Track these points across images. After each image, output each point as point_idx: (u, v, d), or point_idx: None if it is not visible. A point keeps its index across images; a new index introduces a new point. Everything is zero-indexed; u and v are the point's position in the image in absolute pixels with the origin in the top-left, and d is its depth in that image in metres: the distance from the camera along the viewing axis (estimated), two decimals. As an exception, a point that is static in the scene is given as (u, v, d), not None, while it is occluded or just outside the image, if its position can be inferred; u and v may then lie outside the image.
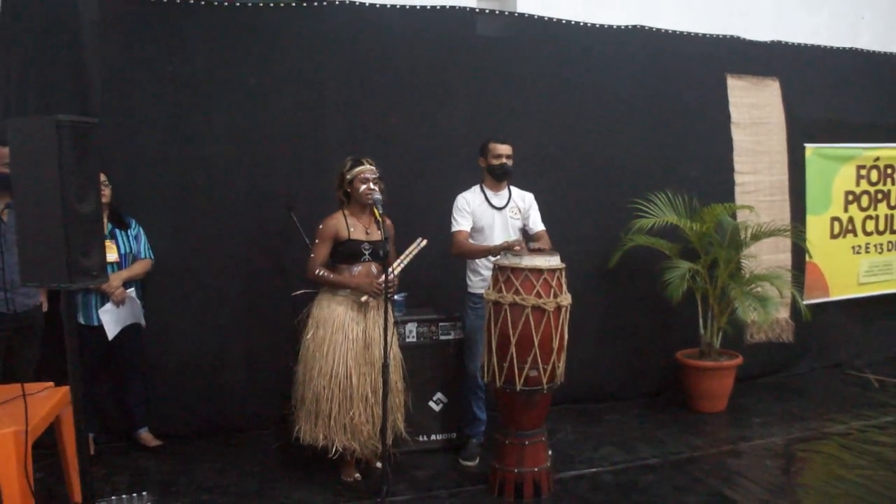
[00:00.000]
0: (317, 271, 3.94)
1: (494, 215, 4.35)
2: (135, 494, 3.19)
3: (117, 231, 4.36)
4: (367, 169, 3.97)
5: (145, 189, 4.61)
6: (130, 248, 4.39)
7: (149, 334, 4.55)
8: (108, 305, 4.23)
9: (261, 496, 3.93)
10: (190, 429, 4.74)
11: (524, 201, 4.47)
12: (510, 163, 4.34)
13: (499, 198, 4.40)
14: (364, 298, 3.91)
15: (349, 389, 3.84)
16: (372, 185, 3.94)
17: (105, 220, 4.24)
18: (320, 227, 3.96)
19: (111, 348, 4.34)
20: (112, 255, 4.23)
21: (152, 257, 4.50)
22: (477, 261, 4.36)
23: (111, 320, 4.24)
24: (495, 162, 4.33)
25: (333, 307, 3.94)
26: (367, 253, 3.97)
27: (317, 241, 3.97)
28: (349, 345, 3.87)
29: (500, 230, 4.34)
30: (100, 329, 4.22)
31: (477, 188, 4.42)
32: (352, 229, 3.95)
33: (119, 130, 4.49)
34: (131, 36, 4.54)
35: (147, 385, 4.62)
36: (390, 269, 3.84)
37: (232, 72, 4.71)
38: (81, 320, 4.24)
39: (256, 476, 4.19)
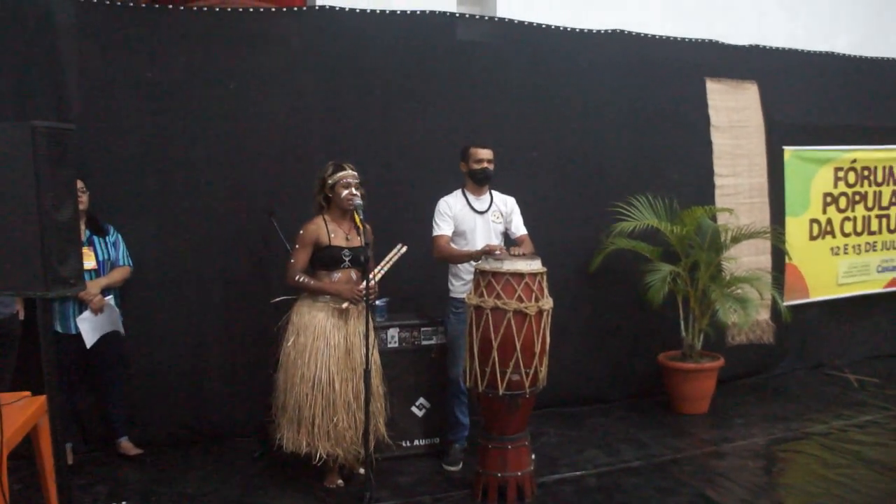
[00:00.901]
0: (297, 277, 3.92)
1: (476, 219, 4.36)
2: (114, 503, 3.16)
3: (95, 238, 4.32)
4: (349, 174, 3.96)
5: (125, 195, 4.57)
6: (108, 255, 4.35)
7: (129, 342, 4.51)
8: (86, 313, 4.19)
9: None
10: (171, 437, 4.69)
11: (506, 205, 4.48)
12: (491, 167, 4.35)
13: (480, 202, 4.41)
14: (345, 305, 3.90)
15: (332, 396, 3.83)
16: (353, 191, 3.93)
17: (83, 227, 4.21)
18: (301, 232, 3.93)
19: (90, 357, 4.30)
20: (90, 263, 4.18)
21: (131, 264, 4.46)
22: (459, 265, 4.36)
23: (89, 328, 4.19)
24: (476, 166, 4.33)
25: (314, 314, 3.93)
26: (347, 259, 3.96)
27: (297, 246, 3.95)
28: (331, 351, 3.87)
29: (482, 234, 4.34)
30: (78, 337, 4.18)
31: (459, 192, 4.42)
32: (332, 235, 3.94)
33: (97, 136, 4.45)
34: (109, 41, 4.50)
35: (127, 393, 4.57)
36: (370, 276, 3.83)
37: (211, 77, 4.68)
38: (59, 329, 4.20)
39: (238, 484, 4.16)
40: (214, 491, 4.05)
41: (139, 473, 4.29)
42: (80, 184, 4.11)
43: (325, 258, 3.95)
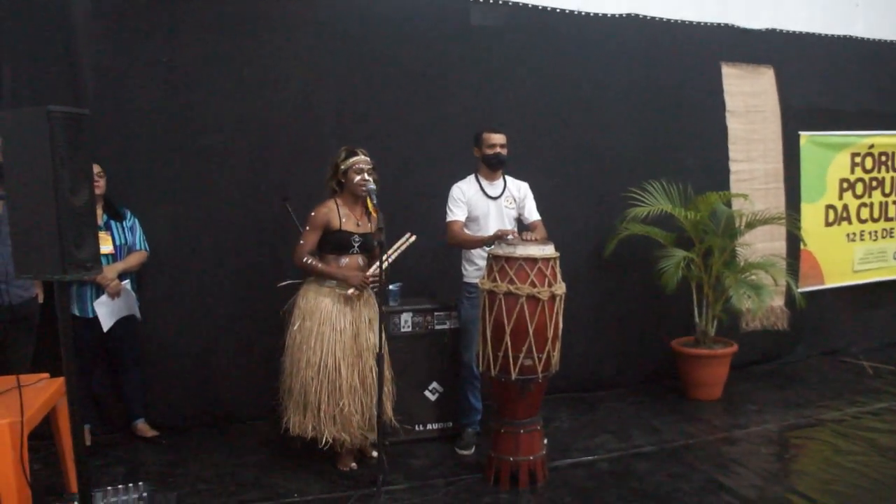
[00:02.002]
0: (304, 259, 3.94)
1: (489, 205, 4.36)
2: (131, 485, 3.20)
3: (112, 222, 4.35)
4: (362, 160, 3.96)
5: (139, 180, 4.59)
6: (125, 240, 4.39)
7: (145, 325, 4.56)
8: (104, 297, 4.23)
9: (258, 486, 3.94)
10: (187, 419, 4.74)
11: (519, 191, 4.48)
12: (504, 152, 4.35)
13: (494, 187, 4.41)
14: (350, 291, 3.92)
15: (338, 381, 3.86)
16: (366, 176, 3.92)
17: (100, 212, 4.26)
18: (312, 214, 3.95)
19: (107, 340, 4.34)
20: (107, 247, 4.21)
21: (147, 249, 4.49)
22: (472, 251, 4.37)
23: (106, 312, 4.24)
24: (489, 151, 4.33)
25: (320, 298, 3.95)
26: (356, 245, 3.98)
27: (307, 228, 3.97)
28: (336, 336, 3.89)
29: (495, 219, 4.34)
30: (95, 321, 4.22)
31: (472, 178, 4.42)
32: (343, 220, 3.95)
33: (112, 121, 4.47)
34: (124, 27, 4.52)
35: (144, 376, 4.62)
36: (377, 262, 3.80)
37: (225, 63, 4.69)
38: (76, 312, 4.23)
39: (253, 466, 4.20)
40: (230, 473, 4.10)
41: (156, 455, 4.34)
42: (97, 168, 4.16)
43: (335, 242, 3.97)
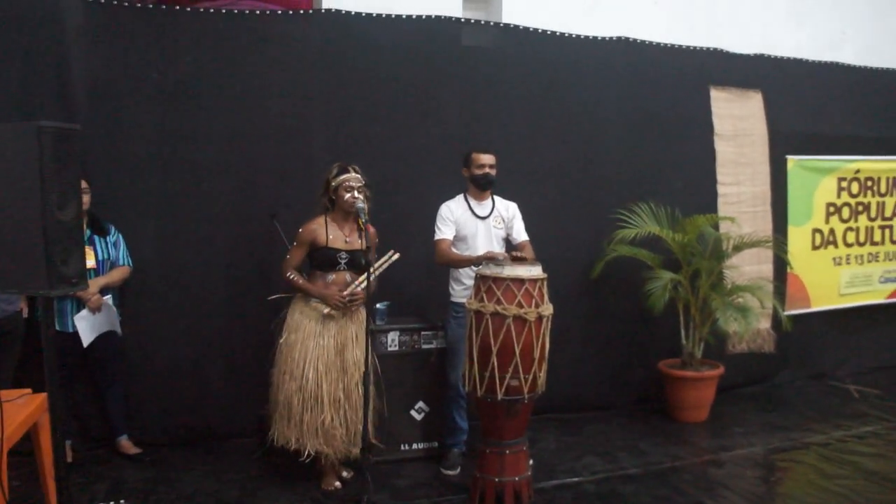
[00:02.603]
0: (288, 274, 3.99)
1: (478, 224, 4.37)
2: (112, 502, 3.17)
3: (96, 237, 4.34)
4: (353, 177, 3.99)
5: (128, 195, 4.59)
6: (108, 255, 4.37)
7: (129, 341, 4.54)
8: (84, 312, 4.21)
9: (241, 504, 3.92)
10: (171, 436, 4.71)
11: (508, 210, 4.49)
12: (493, 172, 4.37)
13: (482, 207, 4.42)
14: (326, 311, 3.94)
15: (319, 394, 3.88)
16: (356, 194, 3.95)
17: (84, 227, 4.23)
18: (300, 230, 3.99)
19: (88, 355, 4.32)
20: (89, 262, 4.20)
21: (131, 264, 4.48)
22: (460, 270, 4.37)
23: (86, 327, 4.22)
24: (478, 172, 4.35)
25: (307, 313, 3.98)
26: (343, 262, 4.00)
27: (294, 243, 4.02)
28: (319, 351, 3.92)
29: (484, 239, 4.35)
30: (76, 335, 4.20)
31: (461, 197, 4.44)
32: (331, 236, 3.98)
33: (102, 136, 4.47)
34: (116, 42, 4.53)
35: (127, 392, 4.59)
36: (356, 282, 3.96)
37: (217, 79, 4.70)
38: (57, 326, 4.19)
39: (237, 484, 4.17)
40: (213, 491, 4.06)
41: (138, 472, 4.30)
42: (83, 183, 4.15)
43: (321, 259, 4.00)
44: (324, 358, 3.91)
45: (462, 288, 4.37)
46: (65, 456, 2.71)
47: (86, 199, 4.17)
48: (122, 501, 3.19)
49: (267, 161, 4.82)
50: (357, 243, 3.99)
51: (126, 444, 4.54)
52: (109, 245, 4.39)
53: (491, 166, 4.36)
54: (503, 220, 4.45)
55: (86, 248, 4.05)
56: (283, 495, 4.03)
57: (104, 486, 4.06)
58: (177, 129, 4.65)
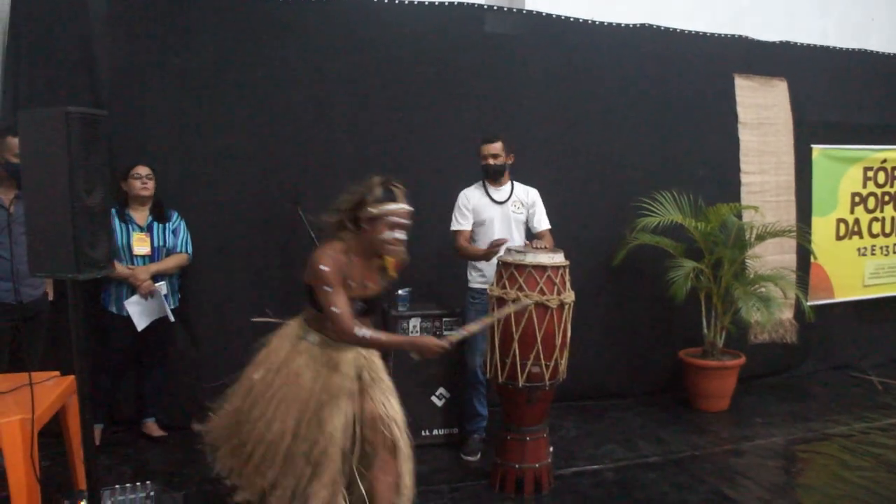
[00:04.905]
0: (360, 333, 2.87)
1: (495, 209, 4.38)
2: (138, 484, 3.21)
3: (155, 224, 4.41)
4: (402, 210, 2.96)
5: (158, 182, 4.61)
6: (165, 242, 4.43)
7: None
8: (135, 298, 4.28)
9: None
10: (197, 420, 4.74)
11: (528, 196, 4.49)
12: (498, 161, 4.35)
13: (500, 192, 4.42)
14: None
15: (279, 447, 2.98)
16: (400, 234, 2.97)
17: (146, 213, 4.40)
18: (323, 268, 2.86)
19: (140, 340, 4.39)
20: (144, 248, 4.32)
21: (190, 252, 4.52)
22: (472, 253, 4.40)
23: (137, 312, 4.29)
24: (482, 162, 4.38)
25: (294, 356, 3.08)
26: (356, 311, 3.00)
27: (327, 289, 2.86)
28: (298, 405, 2.99)
29: (501, 224, 4.36)
30: (129, 320, 4.28)
31: (479, 184, 4.46)
32: (351, 283, 2.98)
33: (125, 123, 4.50)
34: (139, 29, 4.56)
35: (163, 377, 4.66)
36: (464, 330, 3.17)
37: (239, 66, 4.73)
38: (113, 310, 4.34)
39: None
40: (236, 474, 4.10)
41: (164, 454, 4.37)
42: (146, 170, 4.34)
43: None
44: (299, 412, 3.00)
45: (478, 274, 4.39)
46: (93, 438, 2.76)
47: (150, 185, 4.35)
48: (147, 483, 3.22)
49: (288, 148, 4.84)
50: (374, 286, 3.11)
51: (152, 426, 4.60)
52: (168, 232, 4.44)
53: (494, 156, 4.35)
54: (523, 205, 4.45)
55: (142, 235, 4.27)
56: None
57: (129, 467, 4.14)
58: (198, 116, 4.69)
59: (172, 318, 4.43)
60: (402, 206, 2.95)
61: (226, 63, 4.71)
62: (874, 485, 4.07)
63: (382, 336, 3.00)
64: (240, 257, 4.81)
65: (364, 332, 2.86)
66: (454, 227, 4.39)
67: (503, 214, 4.39)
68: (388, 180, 2.98)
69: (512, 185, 4.48)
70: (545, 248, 3.94)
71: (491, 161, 4.35)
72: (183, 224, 4.51)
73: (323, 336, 3.03)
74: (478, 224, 4.39)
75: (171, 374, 4.69)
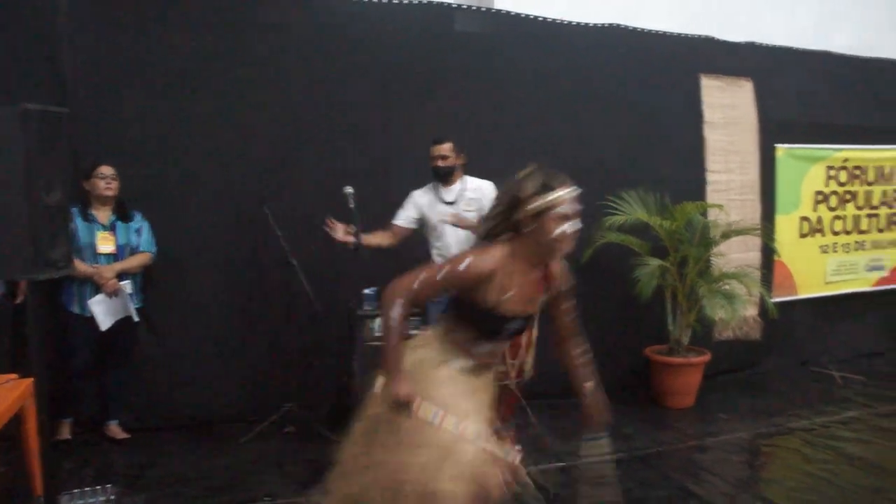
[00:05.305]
0: (393, 312, 2.32)
1: (446, 211, 4.37)
2: (98, 487, 3.17)
3: (118, 223, 4.36)
4: (568, 196, 2.45)
5: (124, 181, 4.53)
6: (129, 241, 4.38)
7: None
8: (99, 297, 4.22)
9: (230, 489, 3.92)
10: (160, 421, 4.71)
11: (480, 190, 4.42)
12: (447, 163, 4.35)
13: (450, 193, 4.41)
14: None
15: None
16: (572, 226, 2.46)
17: (109, 213, 4.35)
18: (463, 262, 2.39)
19: (103, 340, 4.33)
20: (108, 247, 4.28)
21: (154, 252, 4.47)
22: (434, 254, 4.43)
23: (102, 311, 4.23)
24: (431, 163, 4.38)
25: (444, 376, 2.49)
26: (508, 332, 2.60)
27: (442, 270, 2.42)
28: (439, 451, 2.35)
29: (450, 227, 4.36)
30: (92, 320, 4.22)
31: (430, 186, 4.46)
32: (508, 293, 2.44)
33: (95, 121, 4.44)
34: (109, 23, 4.49)
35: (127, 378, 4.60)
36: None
37: (211, 65, 4.68)
38: (76, 310, 4.27)
39: (225, 468, 4.18)
40: (201, 476, 4.07)
41: (127, 457, 4.31)
42: (111, 170, 4.29)
43: (480, 322, 2.49)
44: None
45: None
46: (50, 439, 2.71)
47: (114, 185, 4.30)
48: (107, 486, 3.18)
49: (258, 148, 4.80)
50: (538, 302, 2.64)
51: (115, 428, 4.54)
52: (131, 231, 4.40)
53: (442, 157, 4.34)
54: (475, 202, 4.40)
55: (106, 234, 4.23)
56: (272, 479, 4.04)
57: (91, 470, 4.06)
58: (168, 115, 4.62)
59: (136, 318, 4.37)
60: (566, 191, 2.43)
61: (196, 61, 4.66)
62: (834, 477, 4.14)
63: (395, 337, 2.33)
64: (209, 257, 4.77)
65: (395, 314, 2.31)
66: (393, 219, 4.45)
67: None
68: (547, 169, 2.50)
69: (464, 183, 4.45)
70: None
71: (440, 162, 4.34)
72: (146, 224, 4.46)
73: (469, 359, 2.50)
74: (430, 227, 4.40)
75: (135, 375, 4.62)
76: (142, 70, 4.56)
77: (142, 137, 4.58)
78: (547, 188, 2.41)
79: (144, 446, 4.45)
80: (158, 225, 4.60)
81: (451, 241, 4.37)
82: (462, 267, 2.37)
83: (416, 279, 2.36)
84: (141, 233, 4.43)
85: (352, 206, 3.99)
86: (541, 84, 5.43)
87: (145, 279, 4.54)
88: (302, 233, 4.71)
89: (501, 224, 2.48)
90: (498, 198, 2.56)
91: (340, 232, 4.13)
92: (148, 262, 4.46)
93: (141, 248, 4.42)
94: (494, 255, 2.41)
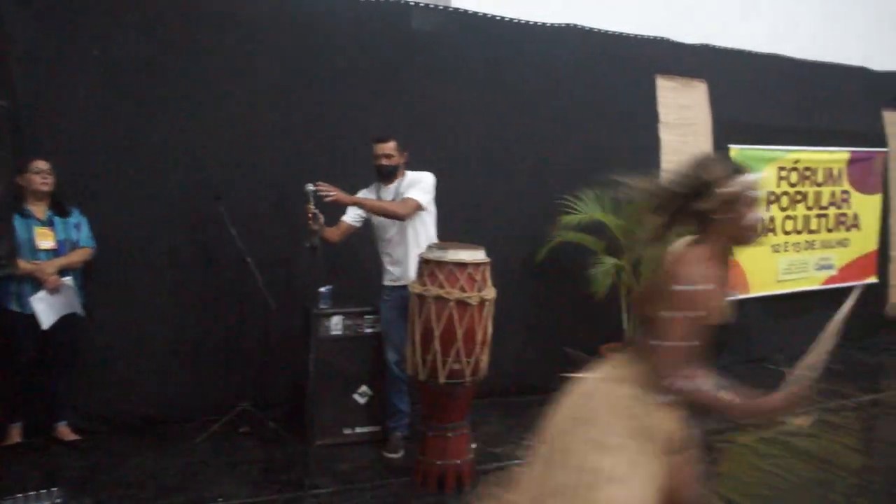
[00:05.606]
0: (692, 383, 2.10)
1: None
2: (44, 491, 3.10)
3: (56, 219, 4.27)
4: (758, 180, 2.19)
5: (74, 176, 4.44)
6: (68, 236, 4.29)
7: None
8: (41, 293, 4.13)
9: (181, 490, 3.86)
10: (112, 422, 4.62)
11: (410, 183, 4.34)
12: (390, 162, 4.28)
13: (387, 192, 4.37)
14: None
15: None
16: (760, 213, 2.21)
17: (44, 208, 4.25)
18: (689, 288, 2.04)
19: (47, 338, 4.23)
20: (48, 243, 4.19)
21: (94, 246, 4.38)
22: (381, 255, 4.41)
23: (44, 308, 4.14)
24: (374, 162, 4.31)
25: (664, 419, 2.19)
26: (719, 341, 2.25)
27: (678, 312, 2.05)
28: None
29: (391, 223, 4.31)
30: (33, 317, 4.12)
31: (374, 185, 4.42)
32: (719, 298, 2.16)
33: (47, 116, 4.34)
34: (51, 16, 4.39)
35: (74, 378, 4.49)
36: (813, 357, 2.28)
37: (161, 58, 4.59)
38: (15, 308, 4.16)
39: (177, 470, 4.11)
40: (152, 477, 4.00)
41: (76, 460, 4.20)
42: (45, 165, 4.19)
43: (701, 338, 2.15)
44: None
45: (388, 273, 4.42)
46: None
47: (49, 180, 4.20)
48: (53, 490, 3.11)
49: (211, 143, 4.74)
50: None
51: (64, 430, 4.44)
52: (70, 226, 4.31)
53: (386, 156, 4.27)
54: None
55: (45, 230, 4.15)
56: (225, 480, 3.99)
57: (39, 474, 3.96)
58: (117, 109, 4.53)
59: (83, 312, 4.30)
60: (756, 175, 2.19)
61: (147, 55, 4.57)
62: (783, 471, 4.23)
63: (718, 398, 2.06)
64: (162, 254, 4.68)
65: (697, 386, 2.06)
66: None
67: None
68: (726, 155, 2.16)
69: (402, 180, 4.37)
70: (465, 245, 3.92)
71: (384, 161, 4.27)
72: (85, 220, 4.38)
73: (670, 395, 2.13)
74: (375, 226, 4.38)
75: (85, 374, 4.52)
76: (88, 63, 4.46)
77: (89, 132, 4.48)
78: (738, 170, 2.15)
79: (95, 448, 4.35)
80: (110, 221, 4.53)
81: (390, 239, 4.33)
82: (697, 290, 2.02)
83: (672, 347, 2.04)
84: (80, 228, 4.35)
85: (311, 203, 3.95)
86: (497, 83, 5.45)
87: (85, 275, 4.44)
88: (257, 230, 4.67)
89: (680, 216, 2.16)
90: (671, 187, 2.18)
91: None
92: (89, 258, 4.38)
93: (82, 244, 4.34)
94: (702, 260, 2.09)
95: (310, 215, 4.06)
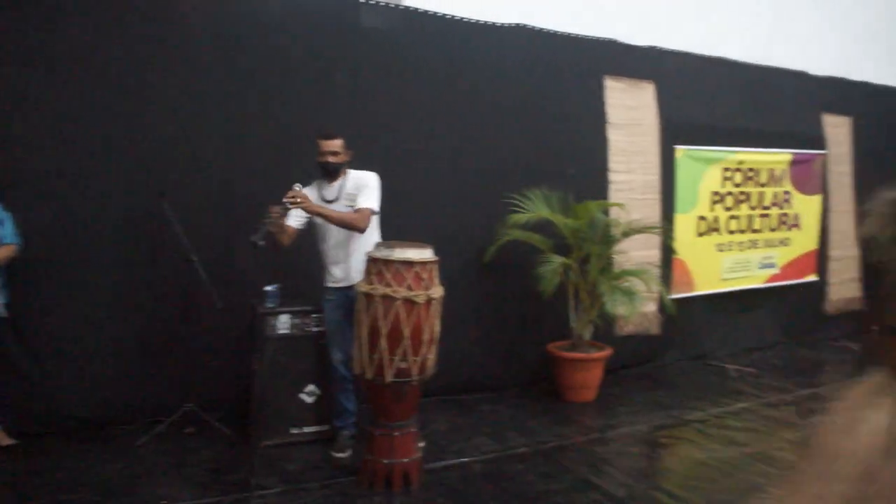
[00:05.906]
0: None
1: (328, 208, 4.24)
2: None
3: None
4: None
5: (12, 172, 4.33)
6: None
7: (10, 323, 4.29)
8: None
9: (126, 493, 3.79)
10: (52, 425, 4.50)
11: (360, 181, 4.26)
12: (336, 160, 4.21)
13: (331, 190, 4.29)
14: None
15: None
16: None
17: None
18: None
19: None
20: None
21: (18, 243, 4.24)
22: (324, 256, 4.36)
23: None
24: (319, 159, 4.22)
25: None
26: None
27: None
28: None
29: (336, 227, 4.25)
30: None
31: (317, 182, 4.34)
32: None
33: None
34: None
35: (6, 379, 4.35)
36: None
37: (105, 51, 4.49)
38: None
39: (121, 473, 4.03)
40: (95, 481, 3.92)
41: (12, 464, 4.10)
42: None
43: None
44: None
45: (328, 274, 4.35)
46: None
47: None
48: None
49: (156, 138, 4.65)
50: None
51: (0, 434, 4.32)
52: None
53: (332, 153, 4.19)
54: (352, 197, 4.25)
55: None
56: (169, 482, 3.93)
57: (-29, 479, 3.87)
58: (59, 103, 4.42)
59: (5, 314, 4.18)
60: None
61: (91, 47, 4.46)
62: (723, 464, 4.33)
63: None
64: (102, 252, 4.58)
65: None
66: None
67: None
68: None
69: (345, 178, 4.30)
70: (412, 243, 3.90)
71: (330, 158, 4.19)
72: (9, 216, 4.22)
73: None
74: (315, 225, 4.30)
75: (19, 376, 4.38)
76: (19, 53, 4.33)
77: (30, 126, 4.36)
78: None
79: (34, 452, 4.24)
80: (50, 219, 4.42)
81: (333, 241, 4.26)
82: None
83: None
84: (4, 223, 4.21)
85: (286, 203, 3.87)
86: (447, 82, 5.46)
87: (8, 274, 4.30)
88: (202, 228, 4.60)
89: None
90: None
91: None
92: (13, 255, 4.23)
93: (5, 241, 4.20)
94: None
95: (276, 214, 3.92)
